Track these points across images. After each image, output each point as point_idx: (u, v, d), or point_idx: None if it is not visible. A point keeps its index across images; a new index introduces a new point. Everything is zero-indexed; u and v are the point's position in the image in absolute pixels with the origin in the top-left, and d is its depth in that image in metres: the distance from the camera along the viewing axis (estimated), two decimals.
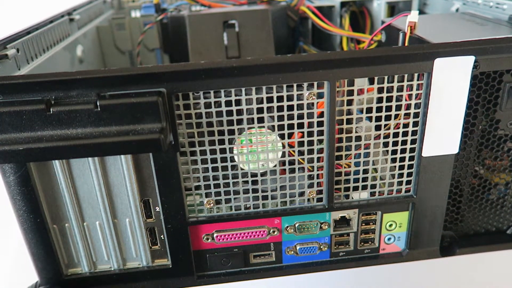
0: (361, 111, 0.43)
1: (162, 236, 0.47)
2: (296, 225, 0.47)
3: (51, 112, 0.37)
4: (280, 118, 0.42)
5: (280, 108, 0.42)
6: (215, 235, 0.47)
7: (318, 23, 0.69)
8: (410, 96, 0.43)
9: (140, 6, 0.88)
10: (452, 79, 0.41)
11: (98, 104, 0.37)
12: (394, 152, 0.45)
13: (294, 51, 0.77)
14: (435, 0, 0.72)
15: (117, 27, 0.78)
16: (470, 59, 0.41)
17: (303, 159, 0.44)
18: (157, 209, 0.45)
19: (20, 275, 0.62)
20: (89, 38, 0.73)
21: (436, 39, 0.47)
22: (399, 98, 0.43)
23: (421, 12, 0.75)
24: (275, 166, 0.44)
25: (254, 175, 0.45)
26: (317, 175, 0.45)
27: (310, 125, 0.43)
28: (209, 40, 0.68)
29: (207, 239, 0.47)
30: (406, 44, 0.48)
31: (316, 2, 0.77)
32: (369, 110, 0.43)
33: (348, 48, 0.71)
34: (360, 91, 0.42)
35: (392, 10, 0.75)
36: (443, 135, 0.44)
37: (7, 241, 0.74)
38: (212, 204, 0.45)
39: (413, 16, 0.49)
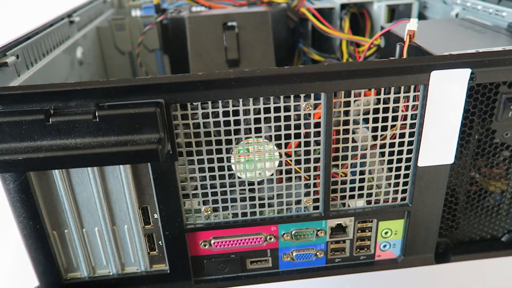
0: (357, 121, 0.43)
1: (160, 242, 0.47)
2: (293, 232, 0.48)
3: (50, 122, 0.38)
4: (277, 128, 0.42)
5: (277, 119, 0.42)
6: (212, 241, 0.47)
7: (318, 25, 0.69)
8: (406, 107, 0.43)
9: (140, 5, 0.88)
10: (448, 91, 0.42)
11: (96, 114, 0.38)
12: (390, 161, 0.45)
13: (293, 52, 0.77)
14: (435, 4, 0.72)
15: (117, 28, 0.78)
16: (467, 72, 0.41)
17: (300, 168, 0.45)
18: (155, 216, 0.46)
19: (20, 279, 0.63)
20: (89, 39, 0.73)
21: (435, 48, 0.47)
22: (395, 109, 0.43)
23: (421, 14, 0.75)
24: (272, 174, 0.45)
25: (251, 183, 0.45)
26: (314, 183, 0.46)
27: (307, 135, 0.43)
28: (208, 42, 0.68)
29: (205, 245, 0.48)
30: (404, 54, 0.48)
31: (317, 4, 0.76)
32: (365, 120, 0.43)
33: (348, 51, 0.71)
34: (357, 101, 0.42)
35: (392, 13, 0.75)
36: (438, 145, 0.44)
37: (6, 243, 0.74)
38: (209, 212, 0.46)
39: (412, 24, 0.49)
